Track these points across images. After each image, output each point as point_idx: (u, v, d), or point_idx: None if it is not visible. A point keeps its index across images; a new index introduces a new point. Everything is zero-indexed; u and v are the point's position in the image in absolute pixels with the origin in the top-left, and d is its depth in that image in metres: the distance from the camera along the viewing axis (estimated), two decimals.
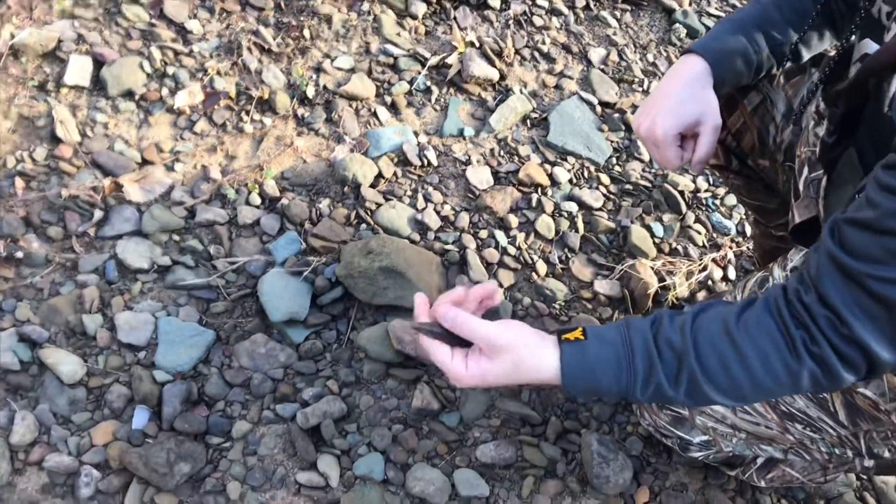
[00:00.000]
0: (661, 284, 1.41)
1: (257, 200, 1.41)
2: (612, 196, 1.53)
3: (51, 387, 1.20)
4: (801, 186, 0.97)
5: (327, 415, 1.22)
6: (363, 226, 1.41)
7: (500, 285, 1.38)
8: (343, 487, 1.19)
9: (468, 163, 1.51)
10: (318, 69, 1.59)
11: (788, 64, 1.05)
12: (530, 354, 0.89)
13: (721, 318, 0.82)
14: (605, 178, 1.55)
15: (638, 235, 1.47)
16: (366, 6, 1.70)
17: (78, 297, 1.27)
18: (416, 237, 1.41)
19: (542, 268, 1.41)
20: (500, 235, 1.43)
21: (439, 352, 0.89)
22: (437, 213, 1.44)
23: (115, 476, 1.14)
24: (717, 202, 1.60)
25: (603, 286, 1.41)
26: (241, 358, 1.26)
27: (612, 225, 1.49)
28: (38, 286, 1.28)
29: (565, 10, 1.85)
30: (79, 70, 1.48)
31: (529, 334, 0.89)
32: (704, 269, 1.48)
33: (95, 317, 1.26)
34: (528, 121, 1.61)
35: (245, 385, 1.25)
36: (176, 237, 1.36)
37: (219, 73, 1.53)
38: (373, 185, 1.46)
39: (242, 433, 1.21)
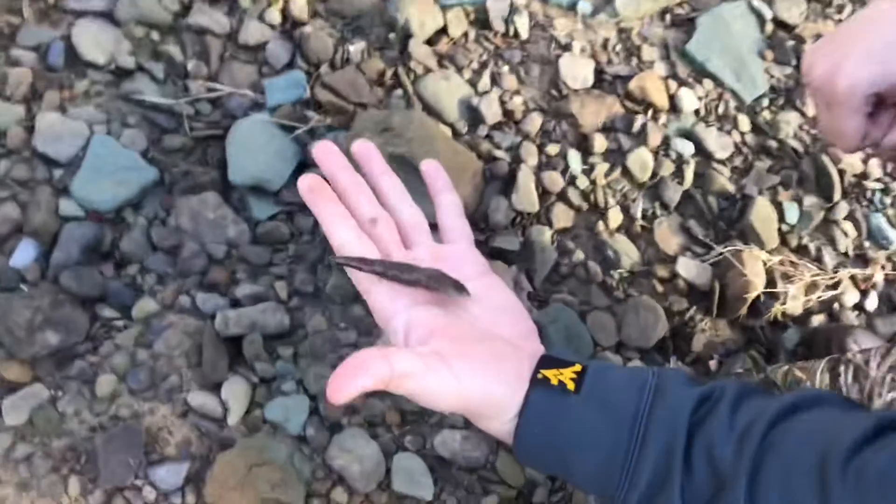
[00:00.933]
0: (769, 290, 0.99)
1: (276, 18, 1.05)
2: (745, 149, 1.10)
3: None
4: None
5: (258, 327, 0.89)
6: (397, 91, 1.03)
7: (550, 224, 1.00)
8: (244, 429, 0.88)
9: (567, 48, 1.10)
10: None
11: None
12: (484, 375, 0.56)
13: (820, 446, 0.46)
14: (744, 123, 1.11)
15: (761, 213, 1.04)
16: None
17: (3, 76, 0.96)
18: (462, 128, 1.03)
19: (615, 218, 1.02)
20: (574, 157, 1.04)
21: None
22: (502, 103, 1.05)
23: None
24: (888, 201, 1.14)
25: (689, 268, 1.01)
26: (181, 217, 0.94)
27: (732, 189, 1.06)
28: None
29: None
30: None
31: (493, 337, 0.58)
32: (836, 285, 1.05)
33: (16, 108, 0.95)
34: (669, 15, 1.17)
35: (172, 253, 0.93)
36: (154, 35, 1.02)
37: None
38: (429, 42, 1.07)
39: (145, 314, 0.90)
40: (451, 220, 0.69)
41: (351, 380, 0.51)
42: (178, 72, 1.01)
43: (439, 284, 0.61)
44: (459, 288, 0.62)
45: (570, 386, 0.54)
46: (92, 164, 0.94)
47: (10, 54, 0.97)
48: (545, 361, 0.56)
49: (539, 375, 0.56)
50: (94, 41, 0.99)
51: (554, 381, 0.54)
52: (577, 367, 0.56)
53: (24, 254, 0.89)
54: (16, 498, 0.83)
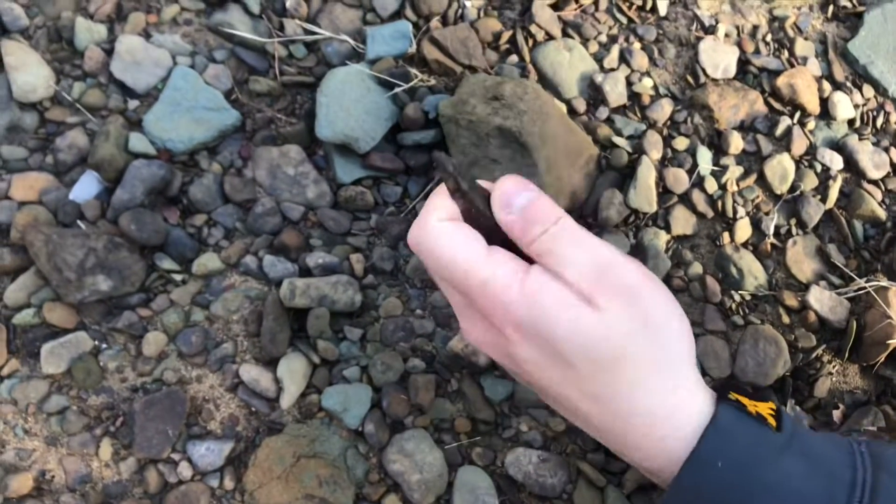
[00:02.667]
0: None
1: None
2: None
3: None
4: None
5: (326, 301, 0.79)
6: (512, 57, 0.91)
7: (668, 228, 0.87)
8: (297, 414, 0.78)
9: (711, 31, 0.96)
10: None
11: None
12: (645, 374, 0.46)
13: None
14: None
15: None
16: None
17: None
18: (580, 107, 0.91)
19: (743, 231, 0.88)
20: (704, 155, 0.90)
21: (463, 246, 0.49)
22: (629, 84, 0.92)
23: (9, 252, 0.78)
24: None
25: (822, 300, 0.87)
26: (259, 169, 0.85)
27: (883, 215, 0.91)
28: None
29: None
30: None
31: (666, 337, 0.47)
32: None
33: (97, 27, 0.87)
34: (833, 7, 1.02)
35: (244, 207, 0.84)
36: None
37: None
38: (555, 7, 0.94)
39: (206, 271, 0.81)
40: None
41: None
42: (275, 7, 0.91)
43: None
44: None
45: (771, 421, 0.44)
46: (170, 97, 0.85)
47: None
48: (731, 385, 0.46)
49: (731, 396, 0.45)
50: None
51: (751, 410, 0.44)
52: (772, 405, 0.45)
53: (85, 187, 0.81)
54: (43, 453, 0.75)
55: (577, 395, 0.48)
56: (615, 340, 0.45)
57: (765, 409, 0.47)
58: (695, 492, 0.45)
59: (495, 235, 0.51)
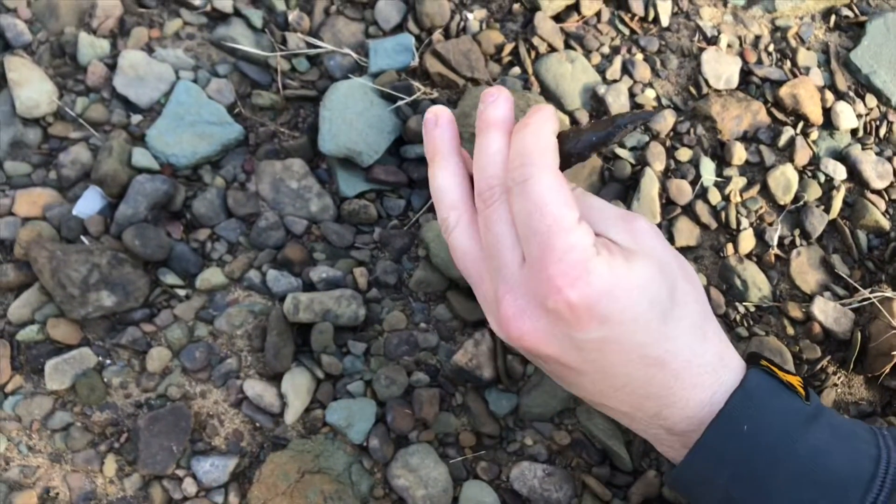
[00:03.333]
0: None
1: None
2: None
3: (0, 111, 0.84)
4: None
5: (330, 315, 0.79)
6: (514, 70, 0.91)
7: (671, 240, 0.87)
8: (301, 429, 0.78)
9: (713, 41, 0.96)
10: None
11: None
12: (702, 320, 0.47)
13: None
14: None
15: None
16: None
17: (91, 6, 0.88)
18: (583, 119, 0.91)
19: (746, 242, 0.88)
20: (707, 166, 0.90)
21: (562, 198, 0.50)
22: (632, 95, 0.92)
23: (13, 268, 0.78)
24: None
25: (826, 311, 0.87)
26: (262, 183, 0.85)
27: (886, 225, 0.91)
28: None
29: None
30: None
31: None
32: None
33: (100, 43, 0.87)
34: (835, 17, 1.02)
35: (248, 221, 0.84)
36: None
37: None
38: (557, 18, 0.95)
39: (210, 286, 0.81)
40: None
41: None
42: (278, 22, 0.91)
43: None
44: None
45: (801, 392, 0.44)
46: (174, 112, 0.85)
47: None
48: (755, 354, 0.47)
49: (763, 362, 0.45)
50: None
51: (782, 377, 0.44)
52: (800, 379, 0.45)
53: (88, 203, 0.81)
54: (47, 469, 0.75)
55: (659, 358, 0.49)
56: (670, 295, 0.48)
57: (795, 380, 0.48)
58: (715, 456, 0.46)
59: None
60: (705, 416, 0.47)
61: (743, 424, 0.44)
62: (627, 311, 0.46)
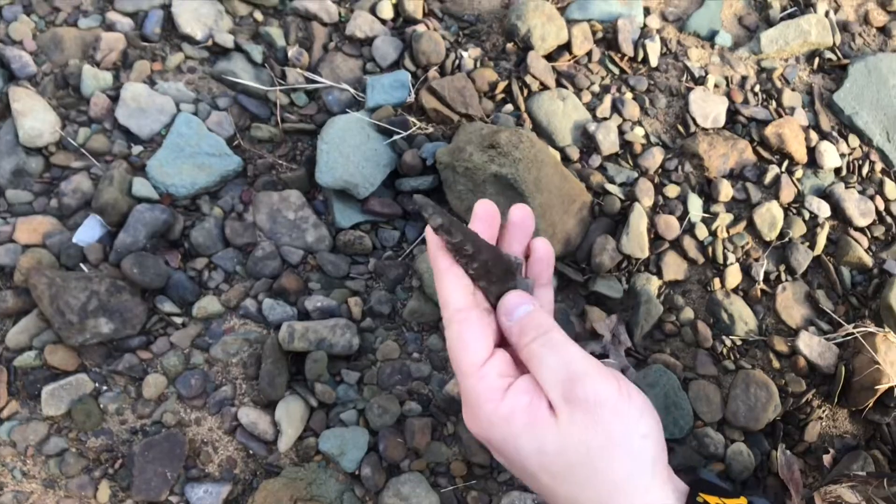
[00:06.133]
0: None
1: (388, 12, 0.97)
2: (888, 219, 0.96)
3: (3, 140, 0.85)
4: None
5: (325, 344, 0.81)
6: (507, 107, 0.94)
7: (660, 274, 0.89)
8: (294, 457, 0.79)
9: (700, 81, 0.99)
10: None
11: None
12: (606, 488, 0.47)
13: None
14: (891, 189, 0.98)
15: None
16: None
17: (95, 39, 0.90)
18: (573, 155, 0.93)
19: (733, 277, 0.90)
20: (694, 203, 0.92)
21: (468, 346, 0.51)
22: (621, 133, 0.95)
23: (12, 294, 0.79)
24: None
25: (811, 345, 0.88)
26: (259, 213, 0.86)
27: (869, 261, 0.93)
28: (56, 5, 0.92)
29: None
30: None
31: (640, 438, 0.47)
32: None
33: (103, 75, 0.89)
34: (819, 59, 1.05)
35: (245, 251, 0.85)
36: (258, 15, 0.95)
37: None
38: (549, 58, 0.97)
39: (206, 314, 0.82)
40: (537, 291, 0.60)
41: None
42: (277, 57, 0.93)
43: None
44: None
45: None
46: (174, 143, 0.87)
47: (105, 17, 0.91)
48: (702, 484, 0.47)
49: (699, 498, 0.46)
50: (195, 14, 0.92)
51: None
52: (743, 501, 0.46)
53: (88, 231, 0.83)
54: (41, 495, 0.76)
55: (552, 500, 0.50)
56: (570, 457, 0.47)
57: None
58: None
59: (477, 263, 0.53)
60: None
61: None
62: (513, 456, 0.49)
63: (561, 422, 0.48)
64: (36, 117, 0.85)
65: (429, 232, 0.52)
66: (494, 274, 0.55)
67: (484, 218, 0.53)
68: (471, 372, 0.52)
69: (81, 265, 0.81)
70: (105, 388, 0.79)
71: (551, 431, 0.48)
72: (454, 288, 0.53)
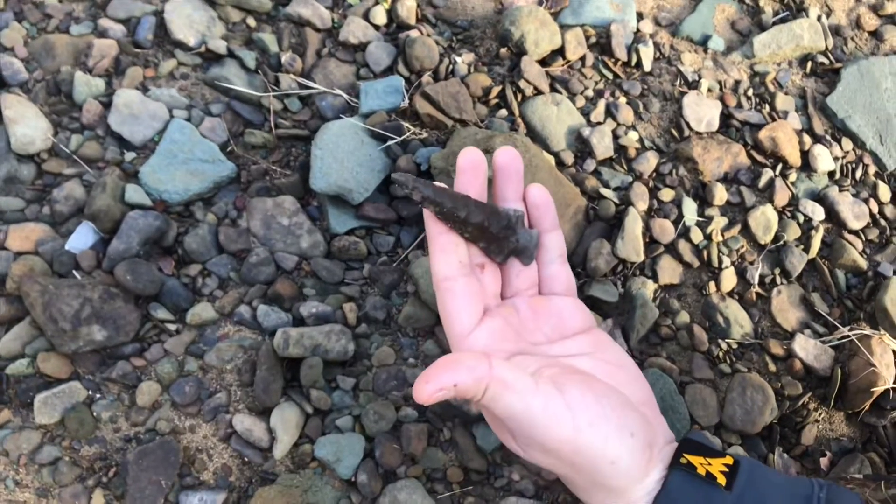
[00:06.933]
0: None
1: (381, 18, 0.97)
2: (882, 222, 0.97)
3: None
4: None
5: (320, 350, 0.80)
6: (501, 112, 0.94)
7: (655, 278, 0.89)
8: (290, 464, 0.79)
9: (694, 86, 0.99)
10: None
11: None
12: (600, 451, 0.46)
13: None
14: (884, 192, 0.98)
15: (894, 297, 0.91)
16: None
17: (87, 45, 0.90)
18: (568, 159, 0.93)
19: (728, 280, 0.90)
20: (689, 206, 0.92)
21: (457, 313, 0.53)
22: (615, 137, 0.95)
23: (4, 302, 0.79)
24: None
25: (807, 348, 0.88)
26: (253, 219, 0.86)
27: (864, 264, 0.94)
28: (48, 12, 0.92)
29: None
30: None
31: (618, 405, 0.48)
32: None
33: (96, 81, 0.89)
34: (811, 63, 1.05)
35: (239, 257, 0.85)
36: (250, 21, 0.95)
37: None
38: (543, 62, 0.98)
39: (201, 321, 0.82)
40: (554, 267, 0.59)
41: (444, 373, 0.43)
42: (271, 63, 0.93)
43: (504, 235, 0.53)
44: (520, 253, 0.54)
45: (721, 480, 0.45)
46: (167, 150, 0.87)
47: (98, 24, 0.91)
48: (688, 445, 0.46)
49: (682, 459, 0.46)
50: (187, 20, 0.92)
51: (701, 471, 0.44)
52: (728, 460, 0.46)
53: (81, 238, 0.82)
54: None
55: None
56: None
57: (718, 465, 0.48)
58: None
59: (471, 226, 0.53)
60: None
61: None
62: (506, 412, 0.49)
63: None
64: (28, 124, 0.85)
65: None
66: (493, 232, 0.54)
67: (468, 169, 0.53)
68: (457, 341, 0.53)
69: (74, 272, 0.81)
70: (98, 395, 0.78)
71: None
72: (440, 257, 0.54)
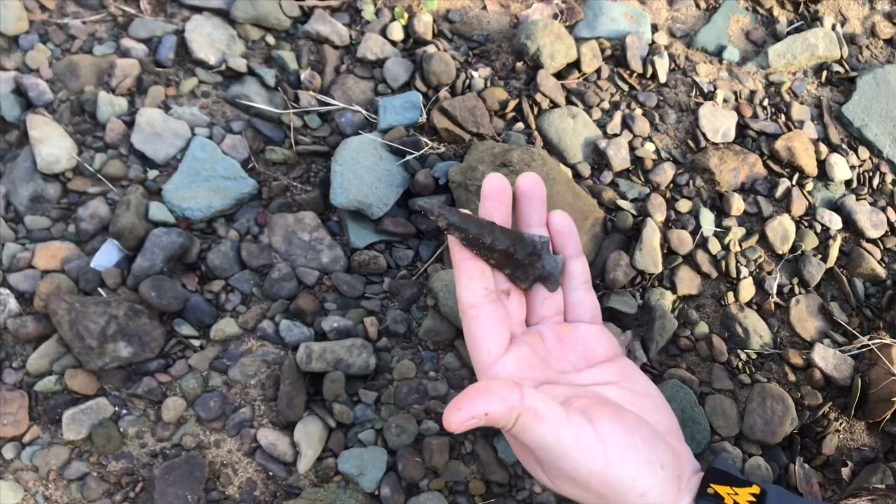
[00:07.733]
0: None
1: (398, 34, 0.98)
2: None
3: (21, 167, 0.86)
4: None
5: (342, 364, 0.81)
6: (518, 125, 0.95)
7: (673, 289, 0.89)
8: (314, 478, 0.79)
9: (709, 97, 1.00)
10: None
11: None
12: (631, 484, 0.47)
13: None
14: None
15: None
16: None
17: (110, 66, 0.91)
18: (585, 171, 0.94)
19: (746, 290, 0.90)
20: (706, 217, 0.93)
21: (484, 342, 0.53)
22: (632, 148, 0.95)
23: (32, 320, 0.80)
24: None
25: (826, 358, 0.89)
26: (275, 235, 0.87)
27: (882, 273, 0.94)
28: (71, 33, 0.93)
29: None
30: None
31: (650, 441, 0.48)
32: None
33: (118, 101, 0.90)
34: (826, 73, 1.06)
35: (261, 273, 0.86)
36: (270, 39, 0.96)
37: None
38: (559, 76, 0.98)
39: (224, 336, 0.83)
40: (580, 293, 0.60)
41: (475, 402, 0.44)
42: (290, 80, 0.94)
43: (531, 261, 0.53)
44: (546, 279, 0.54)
45: None
46: (189, 167, 0.88)
47: (120, 44, 0.93)
48: (714, 474, 0.47)
49: (710, 490, 0.46)
50: (208, 39, 0.94)
51: (728, 502, 0.45)
52: (755, 489, 0.46)
53: (106, 256, 0.84)
54: None
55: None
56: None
57: (745, 495, 0.48)
58: None
59: (497, 252, 0.53)
60: None
61: None
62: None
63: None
64: (53, 144, 0.86)
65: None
66: (519, 258, 0.55)
67: (493, 195, 0.54)
68: (484, 369, 0.53)
69: (100, 290, 0.82)
70: (125, 411, 0.79)
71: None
72: (466, 283, 0.54)
